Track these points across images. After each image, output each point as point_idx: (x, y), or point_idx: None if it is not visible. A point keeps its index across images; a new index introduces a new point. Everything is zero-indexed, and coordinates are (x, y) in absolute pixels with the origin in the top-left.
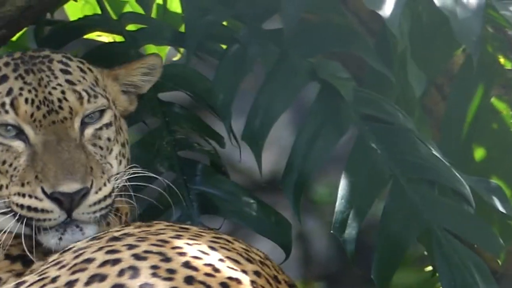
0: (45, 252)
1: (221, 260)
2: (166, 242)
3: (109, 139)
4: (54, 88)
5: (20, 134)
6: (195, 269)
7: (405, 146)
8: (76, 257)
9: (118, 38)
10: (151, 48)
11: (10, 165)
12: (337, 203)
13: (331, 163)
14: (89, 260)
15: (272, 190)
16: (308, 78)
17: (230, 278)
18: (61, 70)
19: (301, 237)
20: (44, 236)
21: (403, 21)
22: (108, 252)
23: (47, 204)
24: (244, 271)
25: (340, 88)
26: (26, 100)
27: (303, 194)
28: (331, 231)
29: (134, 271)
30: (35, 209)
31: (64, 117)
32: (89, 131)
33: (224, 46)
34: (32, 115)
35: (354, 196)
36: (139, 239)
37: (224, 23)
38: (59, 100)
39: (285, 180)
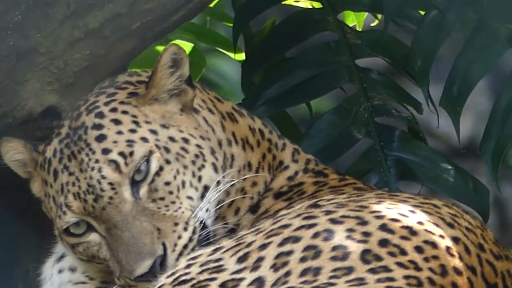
0: None
1: (419, 223)
2: (365, 207)
3: (167, 183)
4: (92, 168)
5: (90, 226)
6: (391, 231)
7: None
8: (274, 223)
9: (316, 5)
10: (349, 14)
11: (99, 257)
12: None
13: None
14: (285, 226)
15: (469, 156)
16: (507, 44)
17: (425, 241)
18: (96, 138)
19: (498, 203)
20: None
21: None
22: (305, 218)
23: (142, 285)
24: (441, 236)
25: None
26: (74, 196)
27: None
28: None
29: (329, 234)
30: None
31: (110, 197)
32: (143, 190)
33: (422, 12)
34: (84, 208)
35: None
36: (339, 206)
37: None
38: (99, 182)
39: (483, 147)
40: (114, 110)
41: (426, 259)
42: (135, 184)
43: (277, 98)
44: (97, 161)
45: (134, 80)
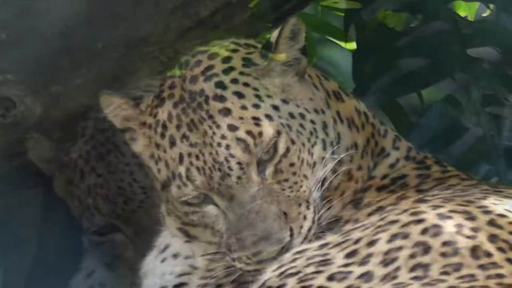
0: None
1: None
2: (472, 202)
3: (292, 164)
4: (219, 144)
5: (209, 198)
6: (499, 227)
7: None
8: (382, 219)
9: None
10: (460, 4)
11: (212, 228)
12: None
13: None
14: (393, 222)
15: None
16: None
17: None
18: (220, 112)
19: None
20: None
21: None
22: (413, 213)
23: (257, 266)
24: None
25: None
26: (198, 170)
27: None
28: None
29: (437, 229)
30: (249, 271)
31: (238, 177)
32: (269, 171)
33: None
34: (209, 184)
35: None
36: (445, 200)
37: None
38: (227, 160)
39: None
40: (235, 81)
41: None
42: (261, 164)
43: (388, 87)
44: (223, 137)
45: (242, 42)
